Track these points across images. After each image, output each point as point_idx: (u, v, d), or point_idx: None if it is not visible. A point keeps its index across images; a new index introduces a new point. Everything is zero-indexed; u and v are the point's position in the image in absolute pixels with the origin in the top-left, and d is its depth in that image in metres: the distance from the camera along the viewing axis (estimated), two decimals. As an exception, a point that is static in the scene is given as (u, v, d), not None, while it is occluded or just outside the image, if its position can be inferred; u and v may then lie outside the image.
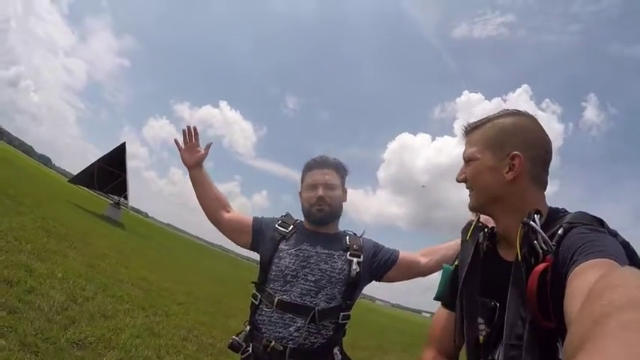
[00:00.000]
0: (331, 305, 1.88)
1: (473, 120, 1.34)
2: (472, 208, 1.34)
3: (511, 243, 1.18)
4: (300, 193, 2.15)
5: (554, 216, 1.14)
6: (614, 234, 1.02)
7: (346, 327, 1.99)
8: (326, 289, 1.89)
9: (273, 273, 1.95)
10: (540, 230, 1.04)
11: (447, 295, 1.40)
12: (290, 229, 2.08)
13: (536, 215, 1.09)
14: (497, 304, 1.17)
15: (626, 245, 0.99)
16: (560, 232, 1.03)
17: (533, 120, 1.26)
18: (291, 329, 1.84)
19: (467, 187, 1.32)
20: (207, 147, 2.24)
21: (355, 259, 1.96)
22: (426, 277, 2.12)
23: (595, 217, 1.06)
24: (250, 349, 1.89)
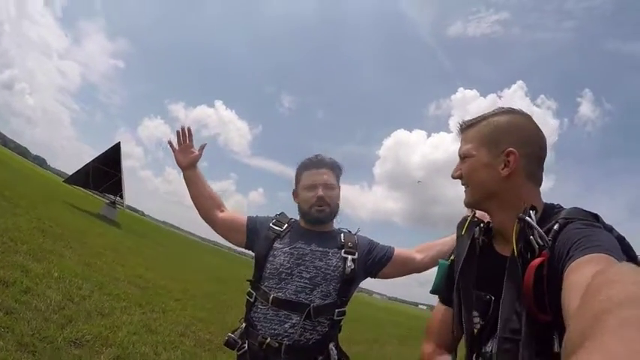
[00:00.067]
0: (326, 302, 1.89)
1: (468, 118, 1.35)
2: (468, 204, 1.36)
3: (507, 238, 1.20)
4: (295, 193, 2.16)
5: (549, 212, 1.16)
6: (610, 229, 1.04)
7: (342, 323, 2.00)
8: (321, 286, 1.90)
9: (268, 271, 1.95)
10: (536, 226, 1.06)
11: (442, 289, 1.42)
12: (284, 227, 2.09)
13: (531, 211, 1.11)
14: (492, 298, 1.20)
15: (621, 240, 1.01)
16: (555, 227, 1.05)
17: (527, 118, 1.28)
18: (286, 326, 1.85)
19: (462, 184, 1.34)
20: (202, 148, 2.25)
21: (350, 257, 1.97)
22: (423, 271, 2.13)
23: (590, 212, 1.08)
24: (246, 346, 1.91)
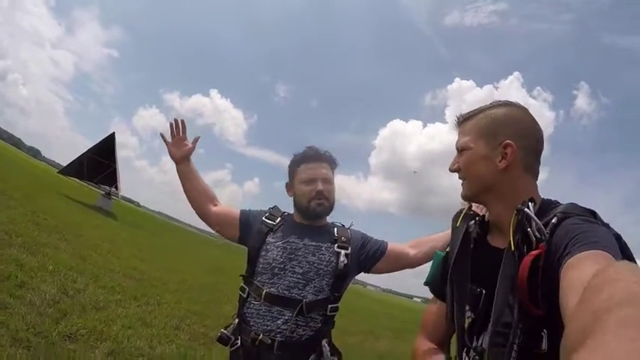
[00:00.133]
0: (319, 297, 1.89)
1: (464, 108, 1.33)
2: (465, 197, 1.36)
3: (503, 231, 1.20)
4: (290, 186, 2.14)
5: (546, 207, 1.15)
6: (607, 226, 1.04)
7: (334, 319, 2.00)
8: (314, 281, 1.90)
9: (261, 266, 1.95)
10: (535, 217, 1.06)
11: (436, 281, 1.42)
12: (277, 221, 2.08)
13: (530, 203, 1.11)
14: (483, 291, 1.20)
15: (618, 238, 1.00)
16: (554, 220, 1.05)
17: (524, 111, 1.28)
18: (278, 322, 1.85)
19: (459, 177, 1.34)
20: (195, 141, 2.23)
21: (343, 251, 1.96)
22: (418, 263, 2.11)
23: (588, 208, 1.08)
24: (239, 342, 1.90)
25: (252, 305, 1.93)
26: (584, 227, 0.99)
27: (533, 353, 1.00)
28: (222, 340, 1.95)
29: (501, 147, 1.20)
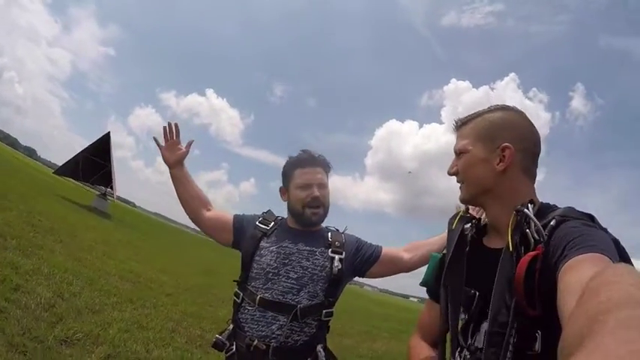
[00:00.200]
0: (313, 303, 1.88)
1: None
2: (463, 201, 1.37)
3: (501, 232, 1.22)
4: (284, 190, 2.13)
5: (545, 210, 1.16)
6: (604, 230, 1.04)
7: (329, 324, 1.99)
8: (308, 286, 1.89)
9: (255, 271, 1.94)
10: (534, 218, 1.07)
11: (432, 283, 1.43)
12: (271, 226, 2.07)
13: (529, 205, 1.12)
14: (477, 293, 1.21)
15: (616, 242, 1.00)
16: (552, 222, 1.06)
17: (521, 114, 1.30)
18: (273, 327, 1.84)
19: (458, 180, 1.35)
20: (189, 144, 2.22)
21: (337, 256, 1.96)
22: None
23: (586, 213, 1.09)
24: (234, 347, 1.89)
25: (246, 311, 1.92)
26: (582, 230, 0.99)
27: (526, 354, 1.01)
28: (218, 345, 1.94)
29: (499, 150, 1.22)
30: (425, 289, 1.50)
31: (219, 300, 8.88)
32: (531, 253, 1.02)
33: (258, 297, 1.88)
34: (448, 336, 1.32)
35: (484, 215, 1.40)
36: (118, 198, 28.98)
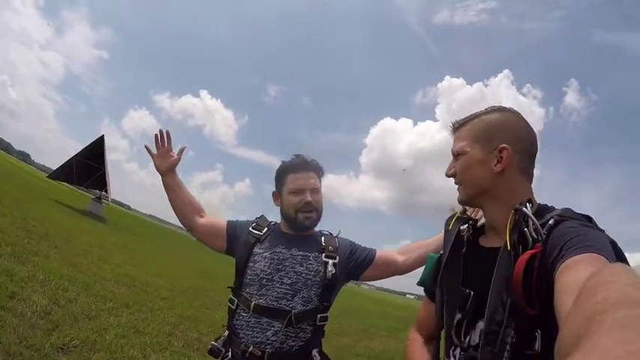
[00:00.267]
0: (308, 308, 1.89)
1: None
2: (462, 202, 1.38)
3: (498, 232, 1.23)
4: (277, 195, 2.13)
5: (543, 211, 1.17)
6: (602, 231, 1.05)
7: (324, 328, 1.99)
8: (302, 291, 1.89)
9: (249, 277, 1.94)
10: (533, 217, 1.08)
11: (429, 283, 1.45)
12: (264, 231, 2.07)
13: (528, 204, 1.13)
14: (471, 292, 1.22)
15: (613, 243, 1.01)
16: (551, 222, 1.07)
17: (518, 115, 1.31)
18: (268, 333, 1.84)
19: (455, 182, 1.36)
20: (180, 152, 2.22)
21: (331, 261, 1.96)
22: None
23: (584, 214, 1.10)
24: (230, 354, 1.90)
25: (241, 317, 1.92)
26: (579, 230, 1.00)
27: (526, 354, 1.02)
28: (213, 352, 1.94)
29: (497, 151, 1.23)
30: (417, 284, 1.53)
31: (215, 303, 8.86)
32: (529, 252, 1.03)
33: (252, 303, 1.88)
34: (443, 333, 1.34)
35: (479, 215, 1.42)
36: (113, 201, 28.90)
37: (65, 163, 23.15)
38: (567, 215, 1.09)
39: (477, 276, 1.22)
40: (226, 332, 1.97)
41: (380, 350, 9.38)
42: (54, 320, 4.35)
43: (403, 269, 2.07)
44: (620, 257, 0.98)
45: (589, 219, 1.08)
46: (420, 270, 1.57)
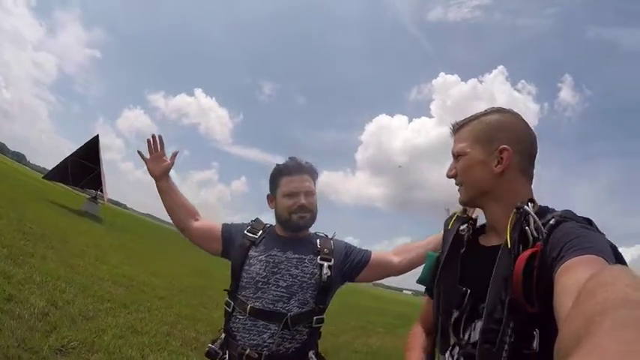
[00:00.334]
0: (304, 310, 1.89)
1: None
2: (463, 203, 1.39)
3: (499, 231, 1.24)
4: (271, 198, 2.13)
5: (543, 212, 1.17)
6: (602, 235, 1.05)
7: (321, 330, 2.00)
8: (298, 294, 1.90)
9: (245, 280, 1.94)
10: (534, 215, 1.09)
11: (428, 281, 1.46)
12: (259, 234, 2.07)
13: (530, 203, 1.15)
14: (468, 290, 1.23)
15: (613, 247, 1.01)
16: (552, 221, 1.07)
17: (517, 116, 1.33)
18: (264, 336, 1.85)
19: (456, 183, 1.37)
20: (173, 156, 2.22)
21: (326, 263, 1.96)
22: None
23: (584, 217, 1.11)
24: (227, 356, 1.90)
25: (237, 320, 1.93)
26: (580, 232, 1.01)
27: (524, 353, 1.02)
28: (211, 355, 1.94)
29: (497, 152, 1.24)
30: (416, 282, 1.53)
31: (213, 301, 8.84)
32: (530, 250, 1.04)
33: (248, 306, 1.89)
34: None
35: (476, 214, 1.44)
36: (109, 200, 28.78)
37: (60, 163, 23.07)
38: (568, 217, 1.09)
39: (475, 274, 1.23)
40: (223, 335, 1.97)
41: (377, 347, 9.38)
42: (52, 322, 4.36)
43: (398, 270, 2.08)
44: (620, 261, 0.99)
45: (589, 222, 1.09)
46: (420, 268, 1.58)
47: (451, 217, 1.47)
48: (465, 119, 1.38)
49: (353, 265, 2.06)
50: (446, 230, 1.44)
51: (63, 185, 26.43)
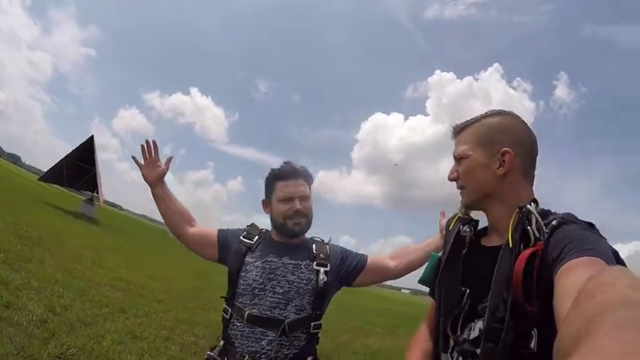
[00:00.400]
0: (301, 316, 1.89)
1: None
2: (466, 206, 1.39)
3: (501, 232, 1.24)
4: (266, 203, 2.13)
5: (545, 214, 1.16)
6: (604, 239, 1.06)
7: (318, 335, 2.00)
8: (294, 300, 1.90)
9: (241, 287, 1.94)
10: (537, 214, 1.09)
11: (430, 281, 1.45)
12: (255, 240, 2.07)
13: (532, 203, 1.15)
14: (467, 290, 1.24)
15: (615, 253, 1.01)
16: (554, 222, 1.07)
17: (517, 118, 1.33)
18: (263, 343, 1.85)
19: (458, 187, 1.37)
20: (168, 161, 2.21)
21: (322, 269, 1.97)
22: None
23: (587, 221, 1.10)
24: None
25: (235, 327, 1.92)
26: (581, 234, 1.01)
27: (522, 353, 1.02)
28: None
29: (499, 154, 1.25)
30: (416, 281, 1.54)
31: (211, 304, 8.82)
32: (531, 249, 1.04)
33: (246, 313, 1.89)
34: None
35: (486, 217, 1.44)
36: (105, 202, 28.76)
37: (56, 165, 23.04)
38: (570, 219, 1.09)
39: (476, 274, 1.23)
40: (222, 342, 1.97)
41: (377, 347, 9.39)
42: (50, 329, 4.33)
43: (395, 274, 2.09)
44: (620, 263, 0.99)
45: (592, 226, 1.09)
46: (421, 268, 1.57)
47: (453, 217, 1.46)
48: (465, 122, 1.38)
49: (349, 270, 2.06)
50: (447, 231, 1.45)
51: (59, 187, 26.36)
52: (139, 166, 2.19)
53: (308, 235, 2.14)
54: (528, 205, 1.12)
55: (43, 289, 5.58)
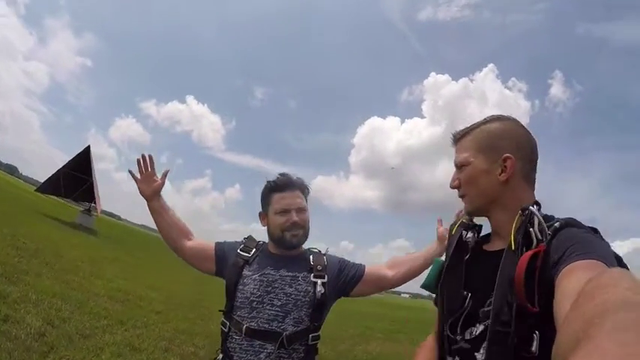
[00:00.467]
0: (299, 329, 1.88)
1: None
2: (469, 213, 1.39)
3: (503, 236, 1.23)
4: (263, 215, 2.13)
5: (548, 219, 1.16)
6: (607, 243, 1.06)
7: (318, 346, 1.99)
8: (292, 312, 1.89)
9: (239, 300, 1.94)
10: (539, 216, 1.10)
11: (433, 286, 1.45)
12: (252, 252, 2.07)
13: (535, 206, 1.15)
14: (469, 294, 1.23)
15: (618, 258, 1.01)
16: (557, 224, 1.07)
17: (517, 123, 1.33)
18: (261, 356, 1.83)
19: (460, 195, 1.37)
20: (164, 175, 2.21)
21: (320, 280, 1.96)
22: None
23: (590, 226, 1.10)
24: None
25: (234, 340, 1.92)
26: (583, 237, 1.02)
27: (523, 356, 1.02)
28: None
29: (501, 160, 1.25)
30: (419, 286, 1.53)
31: (210, 314, 8.72)
32: (532, 250, 1.04)
33: (244, 326, 1.88)
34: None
35: (489, 222, 1.44)
36: (103, 212, 28.68)
37: (53, 175, 22.98)
38: (572, 223, 1.09)
39: (479, 278, 1.23)
40: (220, 355, 1.97)
41: (377, 353, 9.39)
42: (49, 342, 4.32)
43: (392, 283, 2.10)
44: (622, 266, 0.98)
45: (595, 230, 1.09)
46: (424, 273, 1.57)
47: (455, 222, 1.46)
48: (465, 128, 1.38)
49: (347, 280, 2.06)
50: (450, 237, 1.45)
51: (56, 198, 26.28)
52: (136, 181, 2.19)
53: (305, 245, 2.13)
54: (531, 207, 1.13)
55: (41, 301, 5.56)
